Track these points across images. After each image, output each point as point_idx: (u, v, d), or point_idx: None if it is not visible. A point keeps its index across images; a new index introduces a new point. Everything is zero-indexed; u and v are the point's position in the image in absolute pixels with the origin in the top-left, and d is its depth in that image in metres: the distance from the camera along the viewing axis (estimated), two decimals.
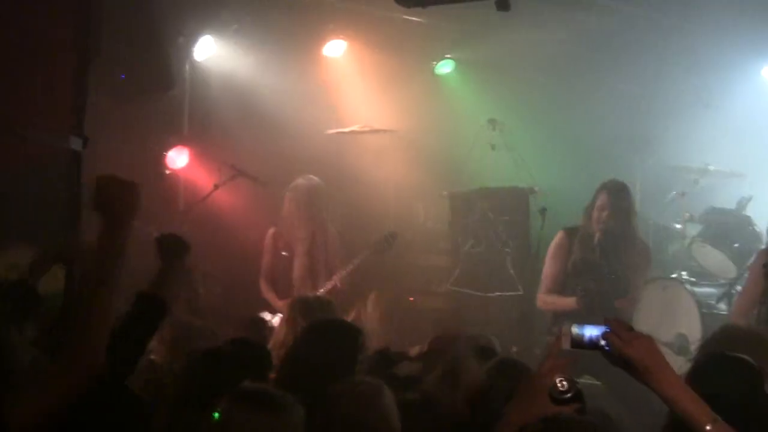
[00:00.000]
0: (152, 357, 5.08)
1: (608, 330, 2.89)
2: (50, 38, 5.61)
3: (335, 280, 7.64)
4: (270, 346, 5.33)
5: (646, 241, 7.10)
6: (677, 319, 7.90)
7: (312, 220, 7.78)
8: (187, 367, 4.18)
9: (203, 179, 8.41)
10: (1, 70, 5.51)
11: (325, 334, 4.55)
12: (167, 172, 8.42)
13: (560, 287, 6.88)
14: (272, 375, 4.42)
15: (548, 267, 6.97)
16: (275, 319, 7.09)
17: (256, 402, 3.26)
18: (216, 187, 8.15)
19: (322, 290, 7.55)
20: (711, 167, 8.85)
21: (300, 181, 7.85)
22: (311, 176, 7.89)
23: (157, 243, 4.04)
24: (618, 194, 6.74)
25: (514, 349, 7.31)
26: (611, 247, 6.65)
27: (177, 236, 4.11)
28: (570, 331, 2.95)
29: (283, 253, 7.84)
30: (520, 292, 8.08)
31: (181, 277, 3.87)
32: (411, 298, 9.09)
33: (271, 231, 7.93)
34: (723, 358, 3.47)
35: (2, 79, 5.48)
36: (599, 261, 6.68)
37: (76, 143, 5.34)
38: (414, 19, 8.93)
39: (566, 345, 3.00)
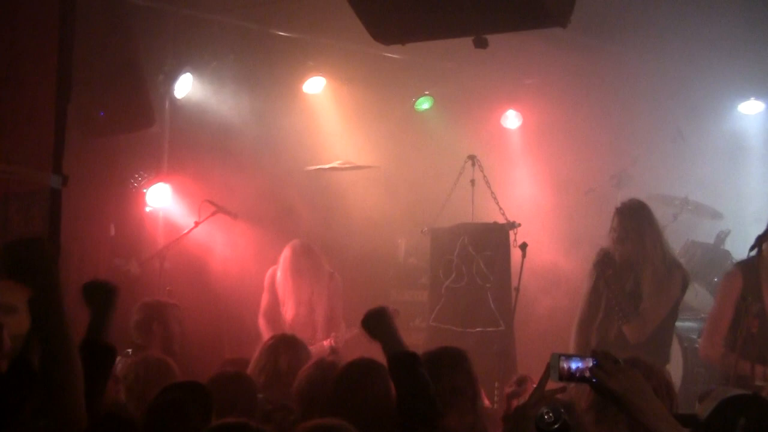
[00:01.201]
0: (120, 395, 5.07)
1: (595, 363, 2.89)
2: (30, 74, 5.60)
3: (326, 345, 7.59)
4: (249, 371, 5.33)
5: (671, 264, 6.37)
6: None
7: (308, 282, 7.76)
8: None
9: (183, 216, 8.40)
10: None
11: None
12: (147, 209, 8.40)
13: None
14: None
15: None
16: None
17: None
18: (196, 223, 8.13)
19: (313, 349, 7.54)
20: (690, 199, 8.90)
21: (294, 244, 7.81)
22: (297, 242, 7.85)
23: (84, 291, 3.85)
24: (627, 214, 6.36)
25: (497, 384, 7.28)
26: (625, 268, 6.29)
27: (101, 283, 3.94)
28: (558, 364, 2.95)
29: (282, 297, 7.81)
30: (501, 328, 8.07)
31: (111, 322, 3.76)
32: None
33: (271, 270, 7.90)
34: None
35: None
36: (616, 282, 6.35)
37: (55, 181, 5.33)
38: (393, 56, 8.98)
39: (554, 377, 2.99)
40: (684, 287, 6.38)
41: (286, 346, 5.56)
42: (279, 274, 7.82)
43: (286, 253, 7.81)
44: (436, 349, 4.72)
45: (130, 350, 6.29)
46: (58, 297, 3.18)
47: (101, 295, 3.88)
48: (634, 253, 6.24)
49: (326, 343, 7.64)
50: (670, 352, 6.37)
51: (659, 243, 6.31)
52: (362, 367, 4.58)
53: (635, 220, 6.30)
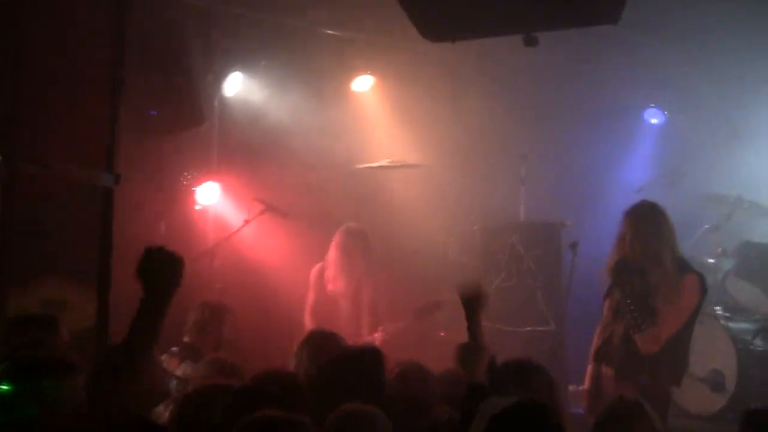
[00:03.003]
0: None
1: None
2: (83, 75, 5.66)
3: (375, 339, 7.59)
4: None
5: (685, 268, 6.08)
6: (712, 355, 7.81)
7: (358, 266, 7.78)
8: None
9: (233, 214, 8.44)
10: (37, 106, 5.56)
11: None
12: (197, 207, 8.45)
13: None
14: None
15: None
16: None
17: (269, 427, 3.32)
18: (246, 222, 8.16)
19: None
20: (744, 198, 8.74)
21: (346, 226, 7.86)
22: (352, 225, 7.89)
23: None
24: (636, 217, 6.10)
25: None
26: (633, 274, 5.96)
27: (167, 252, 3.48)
28: None
29: (329, 294, 7.83)
30: (551, 327, 8.01)
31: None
32: (442, 333, 9.02)
33: (317, 267, 7.92)
34: None
35: (38, 113, 5.54)
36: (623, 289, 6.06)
37: (108, 180, 5.37)
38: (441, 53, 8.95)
39: None
40: (703, 292, 6.04)
41: (310, 346, 5.43)
42: (329, 256, 7.82)
43: (337, 236, 7.83)
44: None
45: (176, 348, 6.29)
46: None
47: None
48: (644, 257, 5.94)
49: (376, 336, 7.63)
50: (687, 364, 6.06)
51: (669, 247, 6.01)
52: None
53: (644, 224, 6.03)
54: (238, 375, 5.17)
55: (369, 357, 4.63)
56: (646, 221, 6.06)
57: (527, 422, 3.30)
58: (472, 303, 4.79)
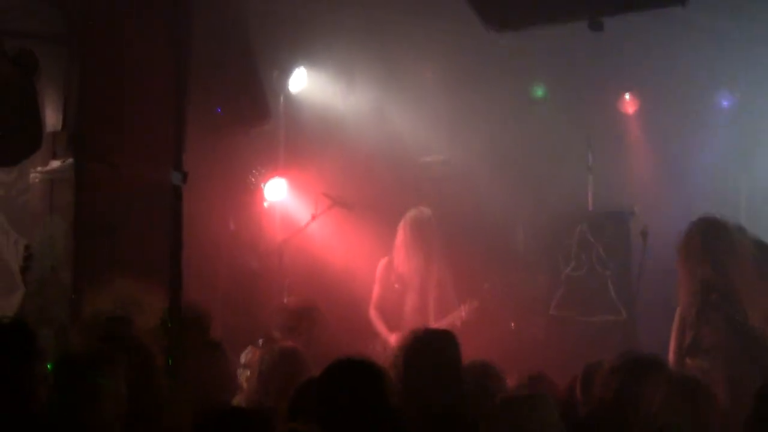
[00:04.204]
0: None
1: None
2: (149, 75, 5.72)
3: (444, 323, 7.55)
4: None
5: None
6: None
7: (424, 253, 7.78)
8: None
9: (301, 210, 8.47)
10: (105, 107, 5.64)
11: None
12: (265, 203, 8.50)
13: None
14: None
15: None
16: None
17: None
18: (313, 217, 8.19)
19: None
20: None
21: (413, 212, 7.87)
22: (423, 208, 7.89)
23: None
24: (710, 236, 5.87)
25: None
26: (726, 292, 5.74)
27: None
28: None
29: (396, 286, 7.84)
30: (623, 317, 7.91)
31: None
32: (512, 323, 8.97)
33: (384, 261, 7.94)
34: None
35: (106, 113, 5.62)
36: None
37: (176, 178, 5.42)
38: (505, 43, 8.86)
39: None
40: None
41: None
42: (397, 242, 7.81)
43: (404, 222, 7.83)
44: None
45: (261, 340, 6.32)
46: None
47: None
48: (729, 280, 5.70)
49: (463, 313, 7.58)
50: None
51: (747, 264, 5.78)
52: None
53: (720, 244, 5.80)
54: (301, 363, 5.19)
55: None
56: (720, 241, 5.85)
57: None
58: None
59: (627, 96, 10.08)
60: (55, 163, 5.91)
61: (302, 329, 6.54)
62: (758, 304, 5.75)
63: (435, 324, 7.60)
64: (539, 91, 10.06)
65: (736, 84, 9.44)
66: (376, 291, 7.94)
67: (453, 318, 7.66)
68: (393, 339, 7.30)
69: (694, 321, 5.85)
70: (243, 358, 6.20)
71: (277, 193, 8.50)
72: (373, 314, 7.88)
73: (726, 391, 4.87)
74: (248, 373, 5.65)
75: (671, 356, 6.01)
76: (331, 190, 8.29)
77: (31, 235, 5.99)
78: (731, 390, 4.78)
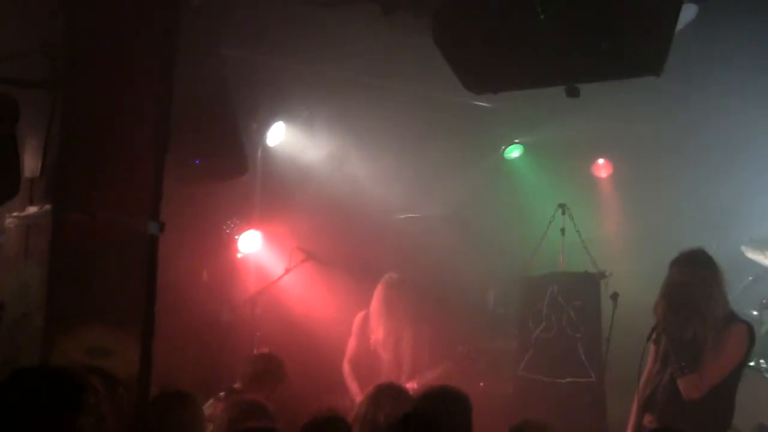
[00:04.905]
0: None
1: None
2: (130, 126, 5.76)
3: (415, 384, 7.63)
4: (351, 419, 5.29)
5: (733, 318, 5.98)
6: (757, 409, 7.69)
7: (400, 317, 7.85)
8: None
9: (274, 263, 8.49)
10: (85, 156, 5.66)
11: None
12: (239, 255, 8.52)
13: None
14: None
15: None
16: None
17: None
18: (287, 270, 8.21)
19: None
20: None
21: (384, 277, 7.94)
22: (393, 274, 7.99)
23: None
24: (684, 263, 6.03)
25: None
26: (682, 320, 5.87)
27: None
28: None
29: (370, 342, 7.89)
30: (592, 379, 7.94)
31: None
32: (481, 383, 8.98)
33: (360, 315, 8.01)
34: None
35: (85, 161, 5.64)
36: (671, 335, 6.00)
37: (153, 228, 5.45)
38: (483, 104, 9.01)
39: None
40: (751, 343, 5.93)
41: (389, 397, 5.39)
42: (372, 306, 7.89)
43: (379, 286, 7.90)
44: None
45: (223, 393, 6.30)
46: None
47: None
48: (691, 303, 5.87)
49: (409, 386, 7.64)
50: (731, 416, 5.91)
51: (721, 295, 5.94)
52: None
53: (696, 271, 5.97)
54: (269, 417, 5.18)
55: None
56: (698, 268, 6.00)
57: None
58: None
59: (600, 160, 10.25)
60: (32, 209, 5.91)
61: (265, 382, 6.52)
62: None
63: (408, 383, 7.64)
64: (514, 152, 10.21)
65: (708, 152, 9.59)
66: (351, 344, 7.98)
67: (426, 377, 7.69)
68: (358, 395, 7.30)
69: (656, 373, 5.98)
70: (206, 411, 6.16)
71: (251, 245, 8.52)
72: (347, 369, 7.89)
73: None
74: (211, 427, 5.62)
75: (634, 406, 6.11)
76: (306, 243, 8.33)
77: (4, 281, 5.97)
78: None
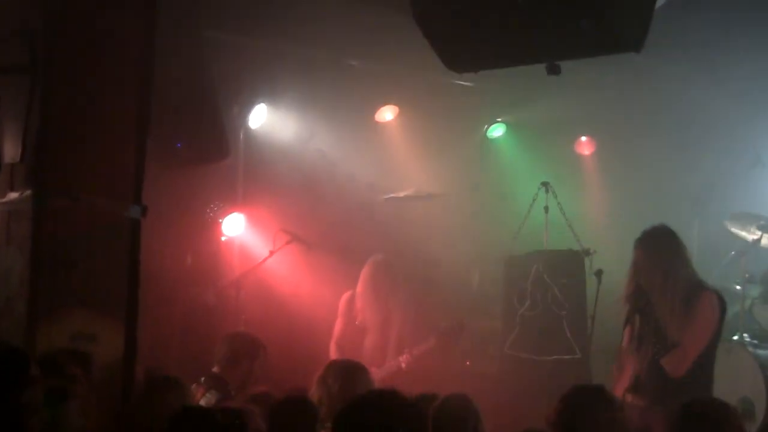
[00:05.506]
0: None
1: None
2: (111, 110, 5.73)
3: (401, 362, 7.67)
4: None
5: (700, 289, 5.99)
6: (741, 383, 7.75)
7: (386, 297, 7.86)
8: None
9: (258, 245, 8.48)
10: (66, 140, 5.64)
11: None
12: (223, 238, 8.50)
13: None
14: None
15: None
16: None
17: None
18: (271, 253, 8.20)
19: (384, 369, 7.60)
20: None
21: (375, 257, 7.95)
22: (378, 255, 7.98)
23: None
24: (644, 243, 6.09)
25: None
26: (644, 302, 5.97)
27: None
28: None
29: (356, 322, 7.91)
30: (578, 356, 7.98)
31: None
32: (467, 362, 9.02)
33: (346, 295, 8.02)
34: None
35: (66, 146, 5.61)
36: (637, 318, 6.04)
37: (135, 212, 5.43)
38: (465, 83, 9.00)
39: None
40: (722, 310, 5.97)
41: (335, 372, 5.46)
42: (358, 287, 7.90)
43: (366, 267, 7.91)
44: None
45: (203, 378, 6.29)
46: None
47: None
48: (655, 282, 5.94)
49: (401, 359, 7.66)
50: (711, 383, 5.97)
51: (683, 269, 5.98)
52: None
53: (656, 248, 6.03)
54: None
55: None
56: (658, 246, 6.06)
57: None
58: None
59: (583, 138, 10.26)
60: (13, 195, 5.88)
61: (241, 361, 6.52)
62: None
63: (391, 361, 7.68)
64: (497, 131, 10.21)
65: (689, 129, 9.62)
66: (338, 325, 8.00)
67: (413, 354, 7.72)
68: None
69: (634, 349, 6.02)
70: (192, 392, 6.15)
71: (235, 228, 8.50)
72: (333, 348, 7.91)
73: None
74: None
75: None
76: (289, 226, 8.31)
77: None
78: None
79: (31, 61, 5.66)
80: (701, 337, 5.91)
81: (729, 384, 7.36)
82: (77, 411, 3.72)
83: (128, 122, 5.57)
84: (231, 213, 8.48)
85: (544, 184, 8.60)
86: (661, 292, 5.95)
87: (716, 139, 9.40)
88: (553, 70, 5.75)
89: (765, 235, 8.59)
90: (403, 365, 7.69)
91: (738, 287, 8.48)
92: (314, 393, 5.41)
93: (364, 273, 7.98)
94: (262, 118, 8.69)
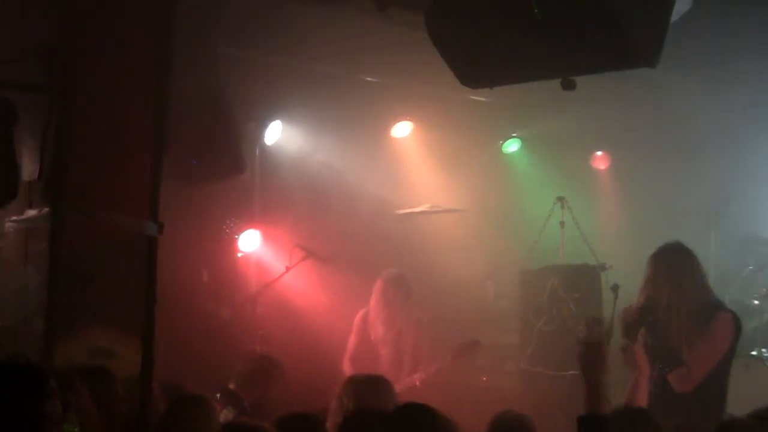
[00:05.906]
0: None
1: None
2: (128, 127, 5.77)
3: (416, 379, 7.66)
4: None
5: (715, 308, 6.00)
6: (760, 399, 7.68)
7: (399, 313, 7.86)
8: None
9: (274, 261, 8.49)
10: (83, 157, 5.67)
11: None
12: (239, 254, 8.51)
13: None
14: None
15: None
16: None
17: None
18: (287, 268, 8.21)
19: (399, 386, 7.57)
20: None
21: (388, 272, 7.95)
22: (392, 269, 8.00)
23: None
24: (659, 259, 6.08)
25: None
26: (653, 317, 5.92)
27: None
28: None
29: (371, 338, 7.91)
30: None
31: None
32: (484, 378, 9.00)
33: (361, 313, 8.02)
34: None
35: (83, 163, 5.65)
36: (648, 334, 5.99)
37: (152, 229, 5.45)
38: (480, 99, 9.00)
39: None
40: (737, 331, 5.92)
41: (355, 387, 5.32)
42: (371, 302, 7.90)
43: (378, 282, 7.91)
44: None
45: (218, 394, 6.30)
46: None
47: None
48: (662, 298, 5.91)
49: (416, 376, 7.66)
50: (724, 406, 5.91)
51: (695, 287, 5.95)
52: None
53: (669, 264, 6.00)
54: None
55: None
56: (669, 262, 6.03)
57: None
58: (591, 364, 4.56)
59: (599, 152, 10.25)
60: (31, 212, 5.92)
61: (258, 383, 6.52)
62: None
63: (407, 378, 7.66)
64: (512, 146, 10.22)
65: (706, 143, 9.60)
66: (351, 341, 8.00)
67: (427, 372, 7.71)
68: None
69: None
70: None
71: (251, 244, 8.52)
72: (347, 365, 7.90)
73: None
74: None
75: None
76: (306, 241, 8.33)
77: (4, 285, 5.97)
78: None
79: (49, 79, 5.70)
80: (710, 358, 5.88)
81: (749, 400, 7.30)
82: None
83: (145, 140, 5.59)
84: (247, 229, 8.50)
85: (560, 198, 8.60)
86: (666, 309, 5.93)
87: (731, 154, 9.37)
88: (569, 86, 5.74)
89: None
90: (418, 383, 7.67)
91: (756, 302, 8.44)
92: (334, 408, 5.37)
93: (377, 288, 7.98)
94: (278, 135, 8.72)
